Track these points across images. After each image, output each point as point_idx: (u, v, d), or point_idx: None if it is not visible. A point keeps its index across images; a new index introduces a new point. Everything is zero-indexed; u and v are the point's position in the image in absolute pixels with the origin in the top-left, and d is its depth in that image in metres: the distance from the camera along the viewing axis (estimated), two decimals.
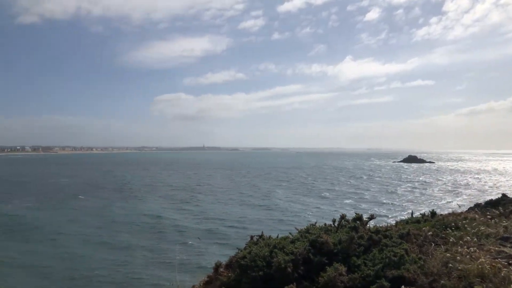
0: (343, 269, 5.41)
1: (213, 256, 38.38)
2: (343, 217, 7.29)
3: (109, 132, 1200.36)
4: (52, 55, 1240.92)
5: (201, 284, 8.41)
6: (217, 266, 7.16)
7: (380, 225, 7.74)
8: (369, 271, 5.46)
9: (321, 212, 61.41)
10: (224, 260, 7.35)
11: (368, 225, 7.13)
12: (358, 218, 7.03)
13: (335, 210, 61.85)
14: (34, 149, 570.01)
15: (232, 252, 7.71)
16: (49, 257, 39.83)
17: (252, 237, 7.54)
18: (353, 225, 6.77)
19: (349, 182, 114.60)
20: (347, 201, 73.75)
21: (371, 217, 7.14)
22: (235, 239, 45.26)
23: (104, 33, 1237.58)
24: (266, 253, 6.22)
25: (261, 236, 7.47)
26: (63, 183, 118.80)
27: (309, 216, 56.57)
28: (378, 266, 5.48)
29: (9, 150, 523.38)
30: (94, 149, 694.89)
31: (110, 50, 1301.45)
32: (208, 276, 7.20)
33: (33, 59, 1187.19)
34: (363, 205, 66.82)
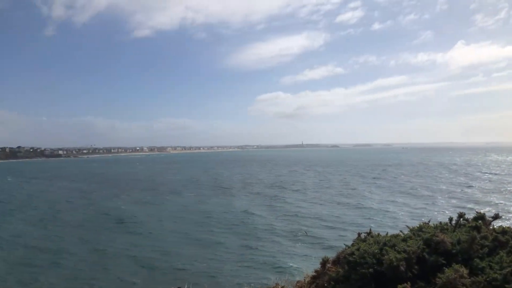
0: (464, 271, 5.00)
1: (309, 256, 38.35)
2: (461, 215, 6.72)
3: (213, 132, 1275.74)
4: (163, 64, 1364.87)
5: (306, 280, 8.52)
6: (324, 262, 7.19)
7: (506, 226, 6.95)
8: (496, 275, 4.96)
9: (422, 212, 57.09)
10: (331, 256, 7.35)
11: (491, 225, 6.47)
12: (480, 217, 6.41)
13: (439, 211, 57.08)
14: (151, 149, 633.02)
15: (320, 253, 7.64)
16: (149, 249, 43.91)
17: (359, 234, 7.40)
18: (474, 225, 6.21)
19: (457, 180, 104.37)
20: (453, 201, 67.18)
21: (496, 217, 6.45)
22: (331, 239, 44.68)
23: (207, 39, 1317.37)
24: (376, 250, 6.06)
25: (369, 233, 7.29)
26: (170, 180, 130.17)
27: (405, 217, 53.09)
28: (507, 270, 4.95)
29: (130, 150, 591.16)
30: (201, 148, 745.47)
31: (212, 54, 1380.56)
32: (316, 271, 7.27)
33: (147, 69, 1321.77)
34: (470, 205, 60.21)
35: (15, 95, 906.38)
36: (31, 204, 79.78)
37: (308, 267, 11.36)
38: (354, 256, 6.14)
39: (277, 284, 10.12)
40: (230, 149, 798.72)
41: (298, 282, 9.86)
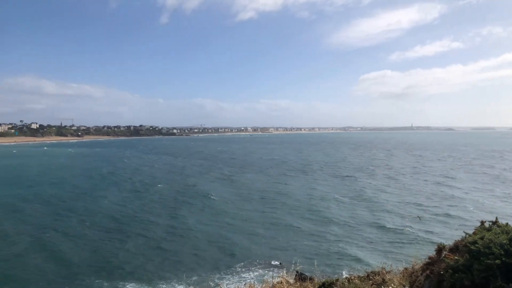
0: None
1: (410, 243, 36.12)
2: None
3: (314, 113, 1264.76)
4: (265, 45, 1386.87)
5: (416, 267, 8.09)
6: (440, 249, 6.73)
7: None
8: None
9: None
10: (447, 243, 6.84)
11: None
12: None
13: None
14: (254, 129, 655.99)
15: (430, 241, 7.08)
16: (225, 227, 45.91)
17: (483, 223, 6.72)
18: None
19: None
20: None
21: None
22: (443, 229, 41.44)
23: (309, 18, 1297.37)
24: (505, 241, 5.46)
25: (495, 222, 6.58)
26: (260, 159, 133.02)
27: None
28: None
29: (235, 130, 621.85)
30: (302, 130, 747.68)
31: (314, 33, 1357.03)
32: (430, 258, 6.85)
33: (250, 52, 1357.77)
34: None
35: (137, 80, 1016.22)
36: (135, 177, 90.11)
37: (416, 254, 10.80)
38: (477, 245, 5.63)
39: (382, 268, 9.81)
40: (332, 131, 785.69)
41: (405, 269, 9.41)
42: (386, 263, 9.87)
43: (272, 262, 32.53)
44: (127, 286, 28.85)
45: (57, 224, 46.76)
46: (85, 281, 29.99)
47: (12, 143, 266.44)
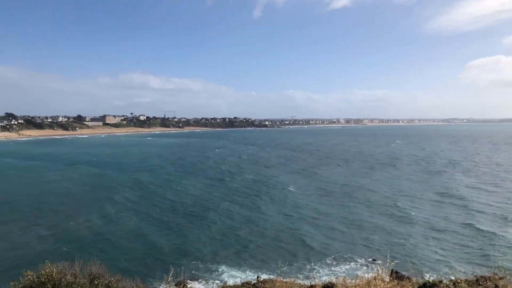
0: None
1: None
2: None
3: (414, 104, 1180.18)
4: (359, 33, 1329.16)
5: None
6: None
7: None
8: None
9: None
10: None
11: None
12: None
13: None
14: (347, 121, 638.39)
15: None
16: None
17: None
18: None
19: None
20: None
21: None
22: None
23: (409, 3, 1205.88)
24: None
25: None
26: (340, 151, 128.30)
27: None
28: None
29: (327, 122, 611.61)
30: (400, 121, 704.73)
31: (412, 19, 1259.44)
32: None
33: (342, 40, 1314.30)
34: None
35: (232, 74, 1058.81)
36: (221, 166, 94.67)
37: None
38: None
39: (494, 274, 9.09)
40: (433, 123, 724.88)
41: None
42: (498, 268, 9.46)
43: (360, 260, 31.96)
44: (219, 269, 30.87)
45: (144, 209, 52.13)
46: (167, 263, 33.17)
47: (123, 133, 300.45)
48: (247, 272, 30.22)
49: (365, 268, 29.39)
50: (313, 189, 62.82)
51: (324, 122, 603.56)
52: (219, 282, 28.24)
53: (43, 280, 7.50)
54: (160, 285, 25.80)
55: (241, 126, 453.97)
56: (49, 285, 7.39)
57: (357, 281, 9.86)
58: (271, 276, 26.59)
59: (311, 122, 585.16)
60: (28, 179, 76.21)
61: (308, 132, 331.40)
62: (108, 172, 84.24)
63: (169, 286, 8.77)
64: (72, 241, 38.14)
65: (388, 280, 9.82)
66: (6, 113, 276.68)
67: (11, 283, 7.74)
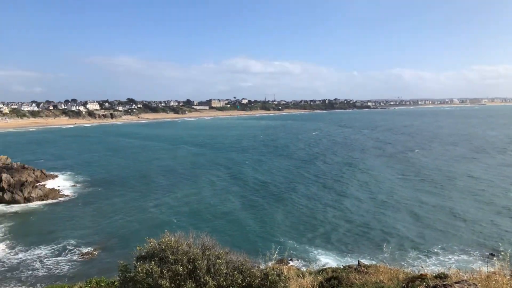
0: None
1: None
2: None
3: None
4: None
5: None
6: None
7: None
8: None
9: None
10: None
11: None
12: None
13: None
14: (462, 101, 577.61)
15: None
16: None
17: None
18: None
19: None
20: None
21: None
22: None
23: None
24: None
25: None
26: (465, 138, 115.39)
27: None
28: None
29: (438, 102, 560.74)
30: None
31: None
32: None
33: (461, 8, 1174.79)
34: None
35: (332, 54, 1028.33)
36: (310, 148, 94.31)
37: None
38: None
39: None
40: None
41: None
42: None
43: (475, 253, 29.92)
44: (316, 250, 31.65)
45: (236, 188, 54.82)
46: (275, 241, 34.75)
47: (227, 116, 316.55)
48: (346, 256, 29.86)
49: (479, 262, 26.82)
50: (410, 174, 59.14)
51: (434, 103, 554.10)
52: (318, 263, 28.42)
53: (163, 247, 8.39)
54: (263, 261, 26.91)
55: (342, 108, 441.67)
56: (168, 252, 8.23)
57: (474, 274, 9.05)
58: (373, 262, 25.83)
59: (419, 102, 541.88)
60: (141, 157, 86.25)
61: (414, 114, 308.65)
62: (207, 152, 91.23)
63: (273, 263, 9.13)
64: (177, 213, 42.27)
65: (509, 277, 8.82)
66: (128, 99, 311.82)
67: (138, 247, 8.83)
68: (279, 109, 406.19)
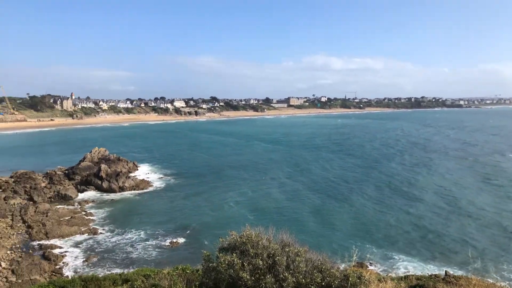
0: None
1: None
2: None
3: None
4: None
5: None
6: None
7: None
8: None
9: None
10: None
11: None
12: None
13: None
14: None
15: None
16: None
17: None
18: None
19: None
20: None
21: None
22: None
23: None
24: None
25: None
26: None
27: None
28: None
29: None
30: None
31: None
32: None
33: None
34: None
35: (418, 49, 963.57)
36: (383, 149, 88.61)
37: None
38: None
39: None
40: None
41: None
42: None
43: None
44: (396, 256, 30.45)
45: (306, 185, 54.18)
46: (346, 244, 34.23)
47: (305, 114, 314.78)
48: (429, 264, 28.03)
49: None
50: (498, 181, 53.44)
51: None
52: (399, 269, 27.07)
53: (244, 240, 8.66)
54: (341, 263, 26.44)
55: (429, 107, 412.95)
56: (249, 245, 8.48)
57: None
58: (460, 273, 23.89)
59: None
60: (220, 152, 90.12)
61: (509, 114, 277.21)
62: (280, 148, 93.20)
63: (351, 265, 8.89)
64: (252, 209, 43.32)
65: None
66: (211, 97, 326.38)
67: (220, 239, 9.24)
68: (360, 107, 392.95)
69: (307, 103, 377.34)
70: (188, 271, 9.97)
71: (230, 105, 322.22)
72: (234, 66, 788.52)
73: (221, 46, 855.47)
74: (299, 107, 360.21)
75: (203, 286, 8.49)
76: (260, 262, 7.96)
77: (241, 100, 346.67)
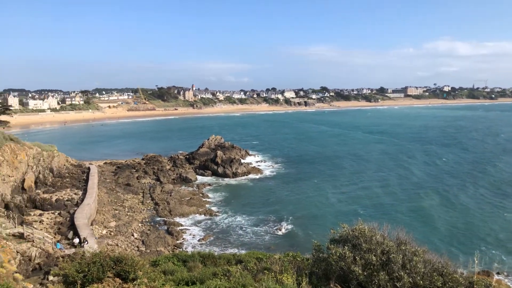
0: None
1: None
2: None
3: None
4: None
5: None
6: None
7: None
8: None
9: None
10: None
11: None
12: None
13: None
14: None
15: None
16: None
17: None
18: None
19: None
20: None
21: None
22: None
23: None
24: None
25: None
26: None
27: None
28: None
29: None
30: None
31: None
32: None
33: None
34: None
35: None
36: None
37: None
38: None
39: None
40: None
41: None
42: None
43: None
44: None
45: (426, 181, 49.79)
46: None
47: (424, 105, 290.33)
48: None
49: None
50: None
51: None
52: None
53: (356, 234, 8.47)
54: (463, 268, 24.12)
55: None
56: (361, 240, 8.27)
57: None
58: None
59: None
60: (327, 142, 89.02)
61: None
62: (389, 139, 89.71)
63: (476, 272, 7.99)
64: (362, 203, 41.80)
65: None
66: (321, 87, 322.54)
67: (331, 230, 9.20)
68: (491, 98, 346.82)
69: (427, 93, 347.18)
70: (298, 259, 10.17)
71: (341, 95, 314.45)
72: (347, 55, 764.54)
73: (333, 34, 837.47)
74: (417, 97, 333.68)
75: (313, 275, 8.57)
76: (374, 258, 7.70)
77: (352, 90, 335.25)
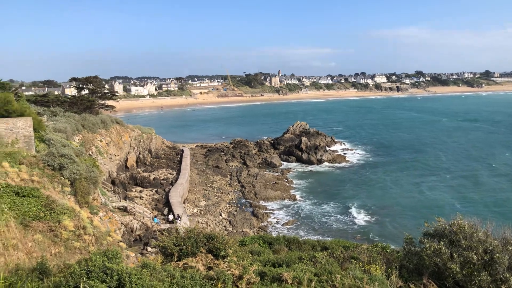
0: None
1: None
2: None
3: None
4: None
5: None
6: None
7: None
8: None
9: None
10: None
11: None
12: None
13: None
14: None
15: None
16: None
17: None
18: None
19: None
20: None
21: None
22: None
23: None
24: None
25: None
26: None
27: None
28: None
29: None
30: None
31: None
32: None
33: None
34: None
35: None
36: None
37: None
38: None
39: None
40: None
41: None
42: None
43: None
44: None
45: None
46: None
47: None
48: None
49: None
50: None
51: None
52: None
53: (454, 229, 7.85)
54: None
55: None
56: (460, 236, 7.65)
57: None
58: None
59: None
60: (418, 131, 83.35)
61: None
62: (489, 128, 78.70)
63: None
64: (460, 197, 38.37)
65: None
66: (415, 71, 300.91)
67: (426, 224, 8.66)
68: None
69: None
70: (387, 250, 9.79)
71: (438, 80, 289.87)
72: (445, 36, 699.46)
73: (427, 14, 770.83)
74: None
75: (403, 268, 8.18)
76: (474, 257, 7.08)
77: (452, 74, 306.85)
